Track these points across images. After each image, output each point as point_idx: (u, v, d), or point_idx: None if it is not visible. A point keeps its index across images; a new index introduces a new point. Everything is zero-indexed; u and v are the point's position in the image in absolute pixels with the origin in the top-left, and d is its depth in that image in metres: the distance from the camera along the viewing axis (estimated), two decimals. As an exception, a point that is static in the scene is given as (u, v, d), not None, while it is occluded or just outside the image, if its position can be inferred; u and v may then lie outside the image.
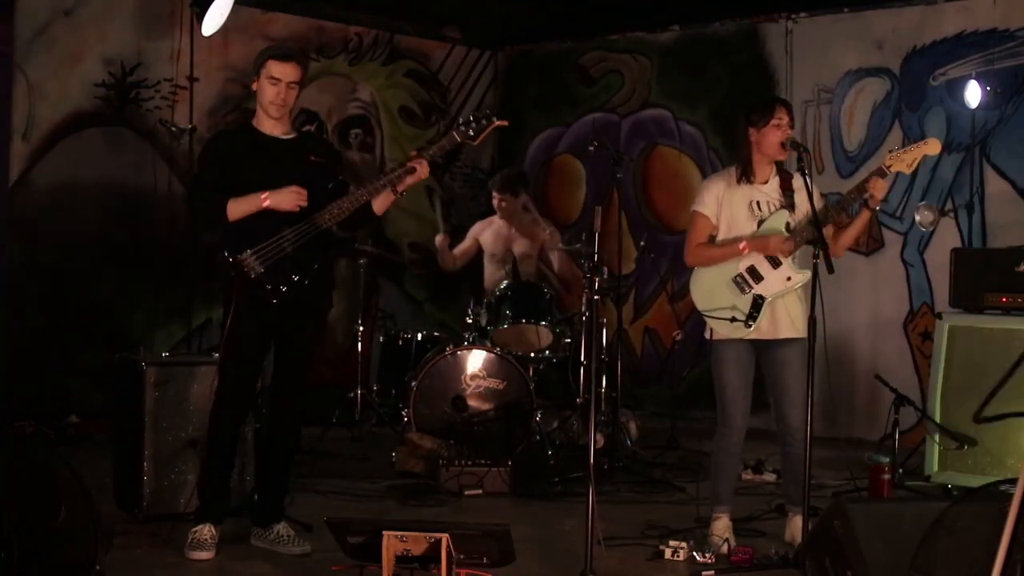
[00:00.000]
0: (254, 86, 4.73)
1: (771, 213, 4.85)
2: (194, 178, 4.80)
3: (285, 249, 4.63)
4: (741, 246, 4.82)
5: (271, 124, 4.74)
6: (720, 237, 4.91)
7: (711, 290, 4.91)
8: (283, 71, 4.67)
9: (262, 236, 4.61)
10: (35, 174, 7.39)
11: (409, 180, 4.74)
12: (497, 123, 4.79)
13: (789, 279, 4.84)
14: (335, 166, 4.92)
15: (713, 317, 4.87)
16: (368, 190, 4.72)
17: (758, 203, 4.88)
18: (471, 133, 4.77)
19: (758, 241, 4.82)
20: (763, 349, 4.91)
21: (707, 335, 4.95)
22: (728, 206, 4.89)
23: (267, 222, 4.62)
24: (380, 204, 4.81)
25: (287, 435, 4.92)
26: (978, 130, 7.48)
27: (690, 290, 5.01)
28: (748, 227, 4.86)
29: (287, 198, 4.61)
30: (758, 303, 4.82)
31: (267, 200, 4.59)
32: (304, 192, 4.64)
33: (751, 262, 4.86)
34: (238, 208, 4.61)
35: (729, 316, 4.82)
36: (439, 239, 7.40)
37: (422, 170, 4.72)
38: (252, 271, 4.60)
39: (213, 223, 4.73)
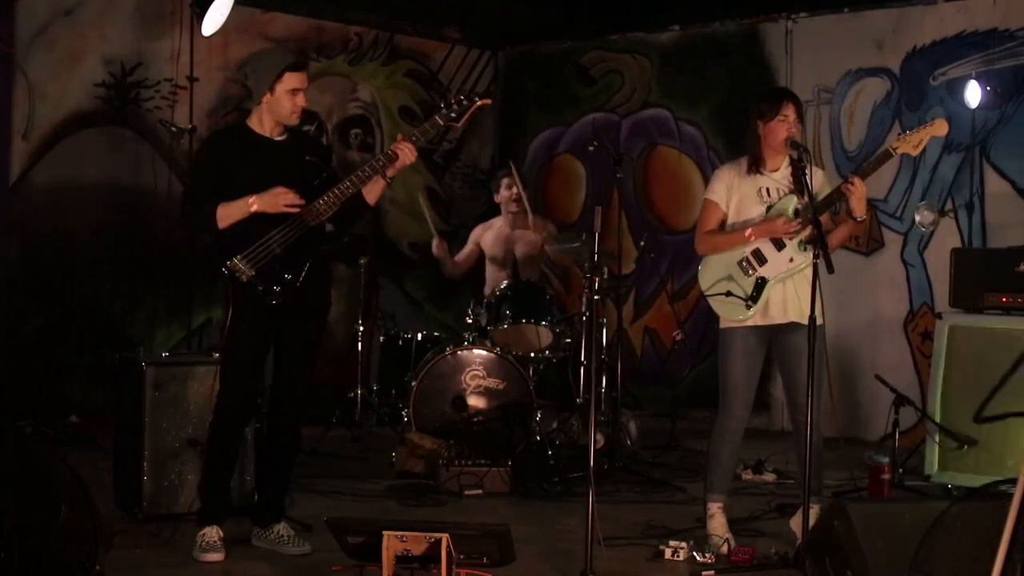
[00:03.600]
0: (264, 99, 4.69)
1: (780, 198, 4.87)
2: (190, 183, 4.81)
3: (273, 250, 4.63)
4: (747, 233, 4.84)
5: (270, 126, 4.74)
6: (730, 223, 4.95)
7: (716, 274, 4.94)
8: (301, 80, 4.70)
9: (251, 239, 4.62)
10: (35, 174, 7.39)
11: (397, 164, 4.73)
12: (480, 103, 4.79)
13: (792, 260, 4.83)
14: (327, 164, 4.93)
15: (713, 295, 4.89)
16: (355, 180, 4.71)
17: (767, 189, 4.90)
18: (453, 115, 4.77)
19: (763, 227, 4.83)
20: (774, 335, 4.90)
21: (719, 323, 4.97)
22: (738, 193, 4.92)
23: (256, 225, 4.62)
24: (372, 194, 4.81)
25: (287, 435, 4.92)
26: (978, 130, 7.48)
27: (698, 274, 5.03)
28: (756, 212, 4.89)
29: (271, 201, 4.60)
30: (760, 285, 4.82)
31: (254, 204, 4.60)
32: (288, 191, 4.62)
33: (756, 245, 4.87)
34: (227, 215, 4.61)
35: (724, 290, 4.83)
36: (436, 245, 7.29)
37: (406, 155, 4.71)
38: (243, 275, 4.61)
39: (202, 229, 4.71)
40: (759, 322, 4.87)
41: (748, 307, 4.83)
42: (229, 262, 4.60)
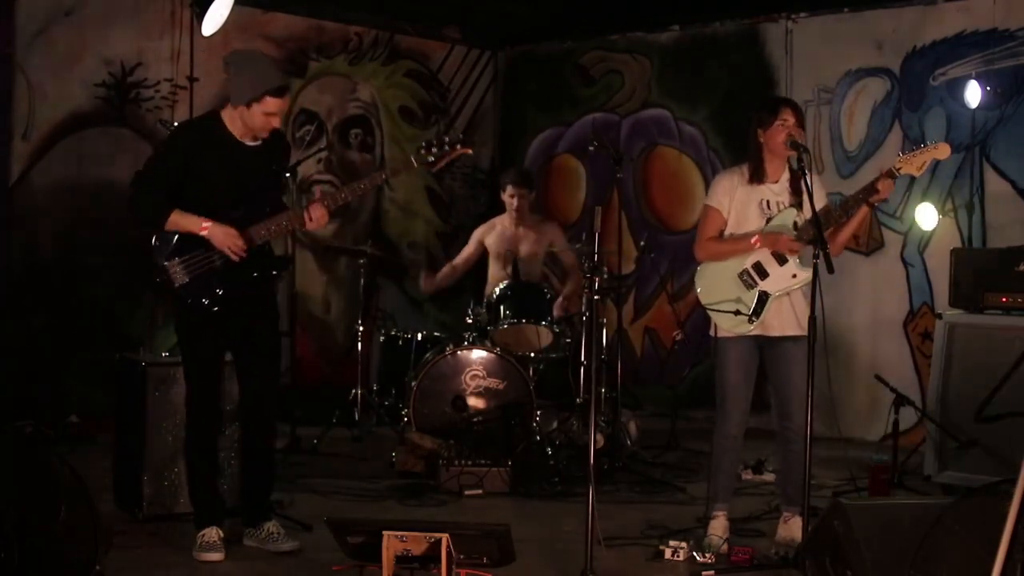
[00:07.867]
0: (239, 109, 4.65)
1: (779, 211, 4.88)
2: (148, 163, 4.75)
3: (214, 262, 4.63)
4: (753, 240, 4.85)
5: (240, 131, 4.72)
6: (728, 232, 4.94)
7: (716, 284, 4.93)
8: (280, 107, 4.68)
9: (195, 245, 4.61)
10: (35, 174, 7.39)
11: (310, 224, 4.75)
12: (461, 150, 4.76)
13: (794, 276, 4.86)
14: (286, 166, 5.00)
15: (717, 311, 4.89)
16: (283, 226, 4.74)
17: (767, 202, 4.91)
18: (431, 159, 4.74)
19: (769, 237, 4.84)
20: (768, 346, 4.92)
21: (711, 331, 4.96)
22: (738, 202, 4.93)
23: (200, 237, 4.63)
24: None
25: (262, 437, 4.91)
26: (978, 130, 7.47)
27: (695, 284, 5.02)
28: (757, 224, 4.90)
29: (221, 237, 4.59)
30: (763, 299, 4.84)
31: (205, 230, 4.59)
32: (239, 238, 4.61)
33: (757, 258, 4.88)
34: (178, 223, 4.61)
35: (733, 309, 4.84)
36: (424, 280, 7.47)
37: (316, 220, 4.72)
38: (176, 280, 4.61)
39: (147, 222, 4.70)
40: (755, 332, 4.88)
41: (751, 321, 4.85)
42: (166, 262, 4.60)
